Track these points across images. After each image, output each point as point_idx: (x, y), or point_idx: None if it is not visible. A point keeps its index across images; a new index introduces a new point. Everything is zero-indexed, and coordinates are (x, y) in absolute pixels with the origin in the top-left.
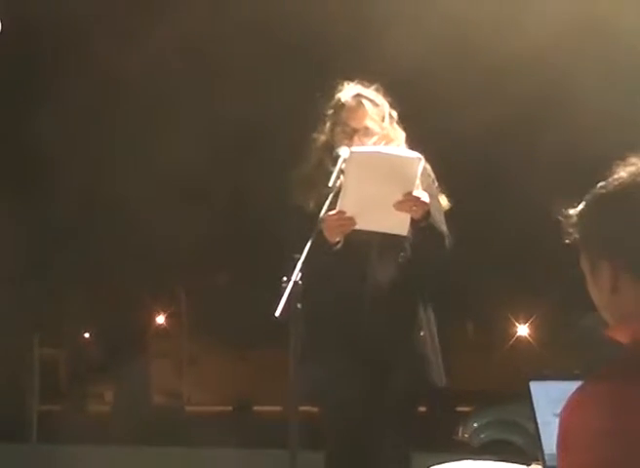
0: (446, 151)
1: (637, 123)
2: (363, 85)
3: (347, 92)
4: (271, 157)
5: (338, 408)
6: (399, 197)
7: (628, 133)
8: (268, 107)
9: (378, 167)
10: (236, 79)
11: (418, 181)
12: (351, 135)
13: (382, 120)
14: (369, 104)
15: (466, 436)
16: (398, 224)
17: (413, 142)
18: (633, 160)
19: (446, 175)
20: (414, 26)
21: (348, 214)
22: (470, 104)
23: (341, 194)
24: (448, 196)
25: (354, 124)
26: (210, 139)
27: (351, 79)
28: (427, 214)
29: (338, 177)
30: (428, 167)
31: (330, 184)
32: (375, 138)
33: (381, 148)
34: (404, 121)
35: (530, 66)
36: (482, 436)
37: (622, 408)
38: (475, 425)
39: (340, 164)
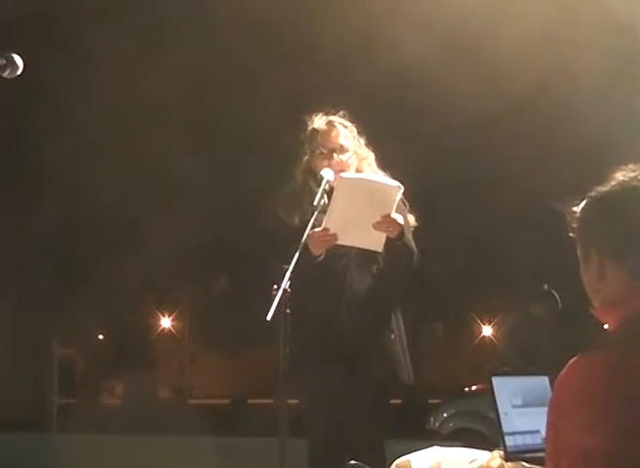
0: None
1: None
2: (330, 114)
3: (318, 121)
4: (267, 167)
5: (315, 400)
6: (378, 218)
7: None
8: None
9: (362, 191)
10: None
11: (394, 205)
12: (330, 155)
13: (354, 138)
14: (340, 126)
15: (437, 425)
16: (375, 242)
17: (383, 162)
18: (631, 167)
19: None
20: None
21: (332, 231)
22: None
23: (328, 213)
24: (426, 199)
25: (330, 144)
26: (206, 145)
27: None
28: (402, 234)
29: (322, 197)
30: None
31: (315, 203)
32: (349, 154)
33: (367, 176)
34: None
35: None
36: (450, 425)
37: (612, 375)
38: (444, 415)
39: (323, 184)
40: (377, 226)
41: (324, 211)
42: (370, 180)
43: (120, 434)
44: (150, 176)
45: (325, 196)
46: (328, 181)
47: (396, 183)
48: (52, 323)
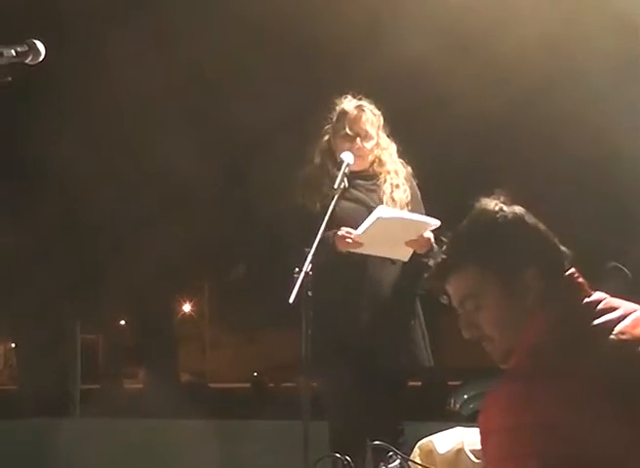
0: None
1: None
2: (360, 98)
3: (349, 103)
4: (278, 161)
5: (336, 384)
6: (408, 238)
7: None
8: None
9: (397, 226)
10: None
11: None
12: (354, 138)
13: (379, 128)
14: (369, 113)
15: (457, 406)
16: (401, 254)
17: (405, 153)
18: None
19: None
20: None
21: (360, 241)
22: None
23: (364, 230)
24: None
25: (356, 128)
26: (217, 144)
27: (350, 91)
28: (431, 249)
29: (342, 180)
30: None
31: (335, 186)
32: (373, 142)
33: (405, 214)
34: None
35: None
36: (471, 406)
37: (527, 406)
38: (465, 397)
39: (343, 168)
40: (409, 243)
41: (344, 196)
42: (406, 219)
43: (142, 418)
44: (173, 166)
45: (345, 180)
46: (348, 165)
47: (434, 221)
48: (75, 309)
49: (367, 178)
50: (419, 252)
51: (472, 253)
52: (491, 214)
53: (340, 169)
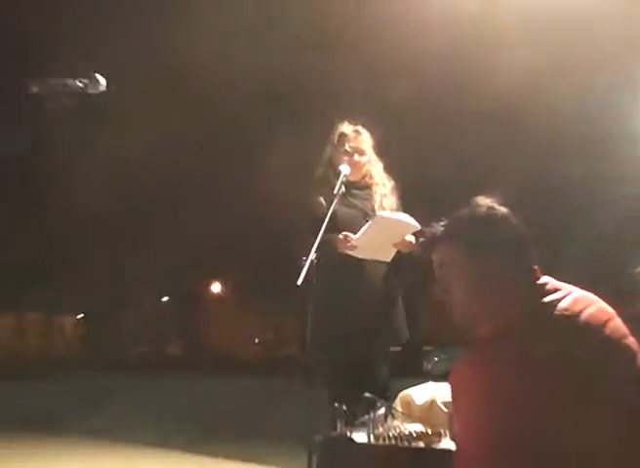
0: None
1: None
2: (357, 123)
3: (347, 127)
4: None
5: (335, 347)
6: (395, 241)
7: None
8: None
9: (391, 227)
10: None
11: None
12: (351, 154)
13: (371, 147)
14: (364, 134)
15: (429, 367)
16: (386, 256)
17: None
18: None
19: None
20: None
21: (356, 244)
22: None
23: (360, 234)
24: None
25: (354, 146)
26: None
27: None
28: (412, 249)
29: (340, 187)
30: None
31: (334, 192)
32: (366, 158)
33: (400, 216)
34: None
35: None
36: (441, 368)
37: (489, 368)
38: (435, 359)
39: (341, 177)
40: (396, 245)
41: (344, 203)
42: (399, 221)
43: (181, 376)
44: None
45: (343, 186)
46: (345, 175)
47: (415, 223)
48: (134, 285)
49: (361, 189)
50: (404, 251)
51: (459, 233)
52: (482, 209)
53: (338, 178)
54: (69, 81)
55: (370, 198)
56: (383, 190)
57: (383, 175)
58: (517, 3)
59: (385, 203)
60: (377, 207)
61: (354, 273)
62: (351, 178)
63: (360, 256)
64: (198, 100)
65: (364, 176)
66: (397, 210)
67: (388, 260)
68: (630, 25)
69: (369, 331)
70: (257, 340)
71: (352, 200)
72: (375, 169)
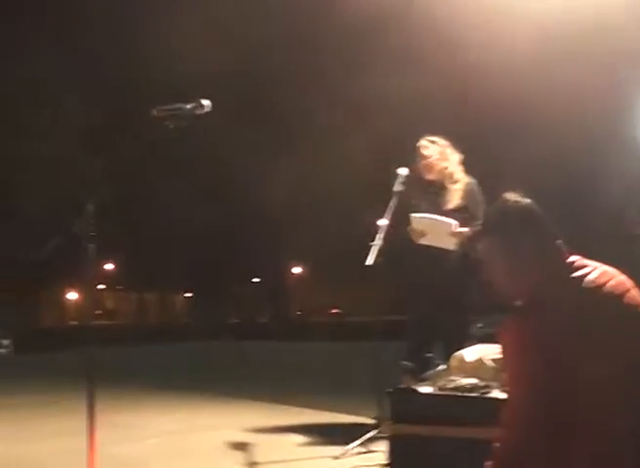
0: None
1: None
2: (428, 138)
3: (423, 140)
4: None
5: (419, 311)
6: (450, 232)
7: None
8: None
9: (428, 224)
10: None
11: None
12: (421, 159)
13: (442, 154)
14: (433, 144)
15: (474, 332)
16: (449, 244)
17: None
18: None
19: None
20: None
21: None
22: None
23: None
24: None
25: (420, 153)
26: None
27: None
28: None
29: (398, 185)
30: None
31: (394, 189)
32: (431, 160)
33: (432, 216)
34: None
35: None
36: (484, 332)
37: (526, 331)
38: (479, 325)
39: (399, 178)
40: (454, 235)
41: (422, 198)
42: (433, 219)
43: (269, 342)
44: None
45: (401, 185)
46: (403, 176)
47: (453, 221)
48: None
49: (436, 187)
50: (460, 240)
51: (495, 227)
52: (511, 203)
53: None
54: (182, 105)
55: (444, 194)
56: (456, 186)
57: (456, 169)
58: None
59: (456, 198)
60: (447, 201)
61: (430, 256)
62: (429, 177)
63: (430, 243)
64: None
65: (438, 176)
66: (472, 204)
67: (452, 248)
68: None
69: (448, 294)
70: (334, 310)
71: (428, 196)
72: (447, 169)
